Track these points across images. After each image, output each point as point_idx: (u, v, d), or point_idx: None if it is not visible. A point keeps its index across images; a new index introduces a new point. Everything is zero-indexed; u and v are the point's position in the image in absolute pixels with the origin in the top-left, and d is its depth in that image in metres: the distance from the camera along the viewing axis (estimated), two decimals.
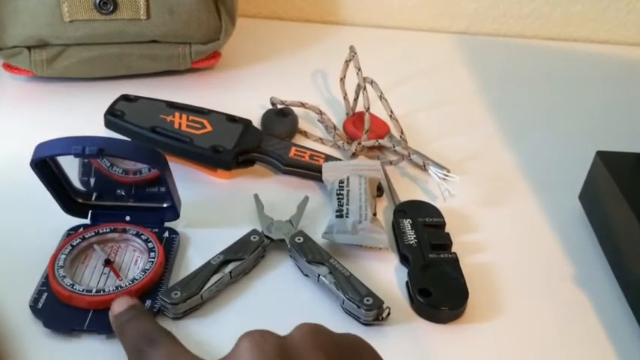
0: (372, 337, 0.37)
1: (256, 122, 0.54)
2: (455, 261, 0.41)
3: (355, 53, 0.55)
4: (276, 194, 0.48)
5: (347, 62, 0.57)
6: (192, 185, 0.49)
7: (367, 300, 0.37)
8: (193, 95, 0.58)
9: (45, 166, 0.39)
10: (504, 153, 0.56)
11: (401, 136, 0.53)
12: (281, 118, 0.55)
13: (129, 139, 0.47)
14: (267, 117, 0.56)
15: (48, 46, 0.56)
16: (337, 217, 0.44)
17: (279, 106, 0.56)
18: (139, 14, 0.55)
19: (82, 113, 0.56)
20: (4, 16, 0.54)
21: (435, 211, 0.45)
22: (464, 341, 0.38)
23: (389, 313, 0.38)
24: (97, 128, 0.50)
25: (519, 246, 0.45)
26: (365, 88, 0.53)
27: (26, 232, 0.43)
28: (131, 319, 0.34)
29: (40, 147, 0.37)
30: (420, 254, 0.41)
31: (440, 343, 0.37)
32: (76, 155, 0.36)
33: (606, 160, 0.45)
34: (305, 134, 0.55)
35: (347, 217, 0.44)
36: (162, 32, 0.57)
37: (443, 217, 0.45)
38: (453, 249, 0.42)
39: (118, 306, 0.35)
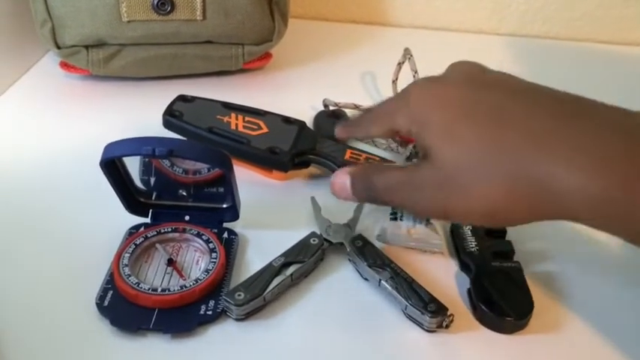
0: (436, 344, 0.37)
1: (308, 124, 0.54)
2: (519, 270, 0.40)
3: (411, 55, 0.54)
4: (331, 196, 0.48)
5: (400, 64, 0.56)
6: (248, 186, 0.48)
7: (431, 306, 0.37)
8: (244, 96, 0.58)
9: (112, 165, 0.40)
10: None
11: None
12: (333, 119, 0.55)
13: (194, 141, 0.47)
14: (320, 118, 0.55)
15: (105, 46, 0.56)
16: (391, 219, 0.44)
17: (332, 108, 0.56)
18: (196, 15, 0.56)
19: (135, 112, 0.57)
20: (65, 15, 0.55)
21: None
22: (529, 352, 0.37)
23: (452, 320, 0.38)
24: (151, 127, 0.50)
25: (584, 255, 0.44)
26: None
27: (86, 230, 0.44)
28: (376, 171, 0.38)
29: (110, 147, 0.38)
30: (482, 262, 0.41)
31: (504, 354, 0.37)
32: (146, 156, 0.37)
33: None
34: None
35: (401, 220, 0.44)
36: (217, 33, 0.57)
37: None
38: (515, 258, 0.42)
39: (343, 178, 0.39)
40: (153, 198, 0.44)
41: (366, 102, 0.61)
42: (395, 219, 0.44)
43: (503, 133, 0.33)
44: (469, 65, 0.38)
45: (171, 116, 0.49)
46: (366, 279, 0.41)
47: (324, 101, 0.57)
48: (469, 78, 0.36)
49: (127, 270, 0.39)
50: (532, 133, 0.32)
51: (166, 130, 0.49)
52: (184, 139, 0.48)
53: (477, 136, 0.33)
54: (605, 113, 0.33)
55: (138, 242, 0.41)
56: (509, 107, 0.34)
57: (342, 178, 0.39)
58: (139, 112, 0.57)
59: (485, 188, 0.33)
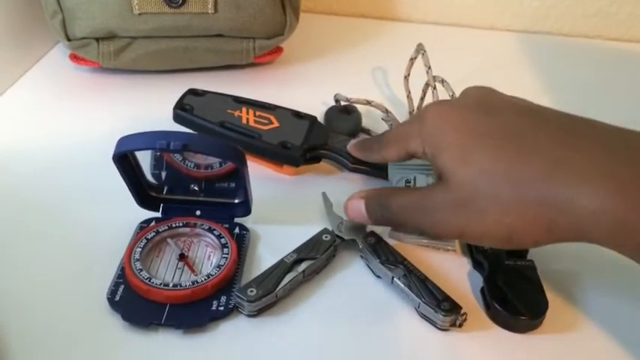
0: (448, 342, 0.37)
1: (318, 119, 0.54)
2: (532, 269, 0.40)
3: (425, 51, 0.54)
4: (342, 192, 0.47)
5: (412, 60, 0.56)
6: (257, 180, 0.48)
7: (444, 305, 0.37)
8: (254, 90, 0.57)
9: (125, 159, 0.39)
10: None
11: None
12: (345, 115, 0.55)
13: (208, 135, 0.47)
14: (331, 114, 0.55)
15: (116, 38, 0.56)
16: None
17: (343, 103, 0.56)
18: (207, 8, 0.55)
19: (144, 105, 0.57)
20: (76, 7, 0.55)
21: None
22: (542, 352, 0.37)
23: (465, 319, 0.37)
24: (161, 120, 0.49)
25: (599, 254, 0.43)
26: (435, 88, 0.52)
27: (97, 224, 0.44)
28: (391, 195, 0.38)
29: (123, 141, 0.37)
30: (496, 260, 0.40)
31: (518, 353, 0.37)
32: (160, 150, 0.36)
33: None
34: (368, 133, 0.55)
35: None
36: (229, 26, 0.57)
37: None
38: (529, 256, 0.41)
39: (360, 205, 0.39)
40: (164, 192, 0.44)
41: (378, 97, 0.60)
42: None
43: (518, 156, 0.33)
44: (482, 90, 0.38)
45: (181, 110, 0.48)
46: (378, 276, 0.41)
47: (335, 96, 0.56)
48: (482, 101, 0.37)
49: (138, 264, 0.38)
50: (547, 156, 0.32)
51: (176, 124, 0.49)
52: (196, 133, 0.47)
53: (492, 159, 0.33)
54: (617, 135, 0.33)
55: (149, 237, 0.41)
56: (522, 130, 0.34)
57: (356, 201, 0.39)
58: (149, 106, 0.56)
59: (501, 213, 0.33)
